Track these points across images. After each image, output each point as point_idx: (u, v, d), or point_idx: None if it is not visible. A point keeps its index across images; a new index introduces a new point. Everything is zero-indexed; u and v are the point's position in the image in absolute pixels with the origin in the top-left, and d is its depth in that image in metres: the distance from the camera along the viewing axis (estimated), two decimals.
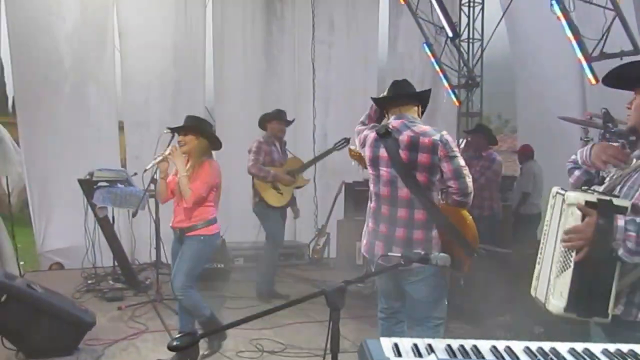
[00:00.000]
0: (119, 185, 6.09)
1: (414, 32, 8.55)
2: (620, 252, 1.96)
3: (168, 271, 6.72)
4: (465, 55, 8.04)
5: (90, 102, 7.67)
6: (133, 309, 5.55)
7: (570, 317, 2.03)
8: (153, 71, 7.91)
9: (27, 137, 7.31)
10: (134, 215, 5.49)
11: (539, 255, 2.29)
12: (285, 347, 4.70)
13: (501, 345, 1.71)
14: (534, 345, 1.72)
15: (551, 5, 5.70)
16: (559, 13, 5.65)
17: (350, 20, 8.84)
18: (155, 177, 5.45)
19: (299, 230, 8.25)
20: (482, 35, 8.21)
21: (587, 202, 2.00)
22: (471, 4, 8.13)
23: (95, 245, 6.41)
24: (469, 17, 8.19)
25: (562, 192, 2.13)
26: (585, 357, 1.68)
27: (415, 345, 1.69)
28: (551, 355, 1.68)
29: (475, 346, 1.70)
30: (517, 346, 1.71)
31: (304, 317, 5.42)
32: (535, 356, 1.67)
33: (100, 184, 6.08)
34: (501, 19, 7.96)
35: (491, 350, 1.68)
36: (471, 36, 8.18)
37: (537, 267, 2.27)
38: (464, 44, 8.18)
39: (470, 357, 1.63)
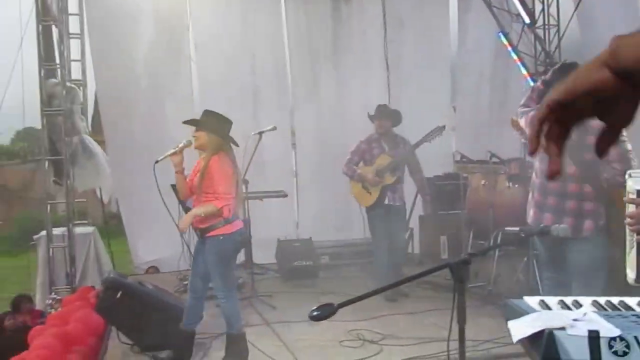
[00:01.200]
0: None
1: (483, 24, 8.49)
2: None
3: (260, 270, 6.97)
4: (544, 42, 7.89)
5: (168, 116, 7.84)
6: None
7: None
8: (231, 82, 8.07)
9: (113, 154, 7.60)
10: None
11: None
12: (384, 336, 4.77)
13: None
14: None
15: None
16: None
17: (420, 17, 8.84)
18: (245, 178, 5.68)
19: None
20: (557, 21, 8.03)
21: (638, 191, 2.21)
22: None
23: (190, 248, 6.66)
24: (543, 3, 8.02)
25: (627, 176, 2.37)
26: None
27: (562, 301, 1.72)
28: None
29: (622, 301, 1.72)
30: None
31: (397, 309, 5.50)
32: None
33: None
34: (577, 6, 7.77)
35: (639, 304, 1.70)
36: (546, 23, 8.02)
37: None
38: (539, 31, 8.03)
39: (620, 310, 1.65)
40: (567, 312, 1.58)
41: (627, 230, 2.26)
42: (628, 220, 2.24)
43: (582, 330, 1.38)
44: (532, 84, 7.77)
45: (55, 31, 6.65)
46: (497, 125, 8.61)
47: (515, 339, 1.53)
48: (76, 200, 7.24)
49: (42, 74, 6.45)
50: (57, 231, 6.65)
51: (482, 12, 8.06)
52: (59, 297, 6.02)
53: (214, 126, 4.27)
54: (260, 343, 4.65)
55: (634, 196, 2.21)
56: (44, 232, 6.63)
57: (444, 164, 8.42)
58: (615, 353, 1.34)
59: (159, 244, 7.58)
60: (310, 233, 7.57)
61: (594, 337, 1.34)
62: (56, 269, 6.54)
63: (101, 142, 7.72)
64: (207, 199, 4.17)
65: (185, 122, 4.42)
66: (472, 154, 7.31)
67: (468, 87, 9.09)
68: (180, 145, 4.27)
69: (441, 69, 8.94)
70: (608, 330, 1.38)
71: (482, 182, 6.41)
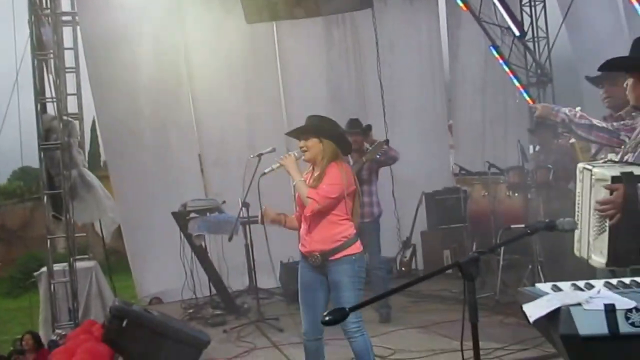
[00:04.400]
0: (211, 213, 6.31)
1: (473, 40, 8.62)
2: None
3: (265, 295, 6.90)
4: (534, 53, 7.98)
5: (172, 145, 7.91)
6: (238, 331, 5.68)
7: (611, 269, 2.30)
8: (225, 110, 8.11)
9: (119, 188, 7.63)
10: (229, 240, 5.67)
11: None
12: (394, 351, 4.72)
13: None
14: None
15: None
16: None
17: (411, 37, 8.93)
18: (246, 201, 5.61)
19: (383, 245, 8.23)
20: (547, 33, 8.13)
21: (613, 177, 2.27)
22: (532, 3, 8.08)
23: (193, 276, 6.62)
24: (531, 16, 8.13)
25: (589, 167, 2.42)
26: None
27: (574, 284, 1.72)
28: None
29: (635, 280, 1.71)
30: None
31: (405, 324, 5.50)
32: None
33: (192, 214, 6.32)
34: (565, 17, 7.87)
35: None
36: (536, 35, 8.12)
37: (577, 231, 2.50)
38: (529, 44, 8.12)
39: (631, 288, 1.64)
40: (580, 292, 1.57)
41: (593, 217, 2.35)
42: (600, 207, 2.30)
43: (598, 304, 1.37)
44: (525, 95, 7.85)
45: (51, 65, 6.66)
46: (494, 137, 8.69)
47: (531, 319, 1.52)
48: (76, 234, 7.19)
49: (39, 109, 6.45)
50: (58, 267, 6.55)
51: (472, 27, 8.16)
52: (63, 333, 5.93)
53: (328, 130, 3.61)
54: None
55: (608, 183, 2.28)
56: (44, 269, 6.56)
57: (443, 179, 8.45)
58: (632, 324, 1.33)
59: (162, 275, 7.51)
60: None
61: (610, 309, 1.33)
62: (58, 305, 6.43)
63: (101, 178, 7.68)
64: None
65: (290, 133, 3.74)
66: (472, 167, 7.35)
67: (463, 102, 9.16)
68: (282, 160, 3.63)
69: (435, 87, 9.00)
70: (624, 303, 1.37)
71: (483, 193, 6.43)
